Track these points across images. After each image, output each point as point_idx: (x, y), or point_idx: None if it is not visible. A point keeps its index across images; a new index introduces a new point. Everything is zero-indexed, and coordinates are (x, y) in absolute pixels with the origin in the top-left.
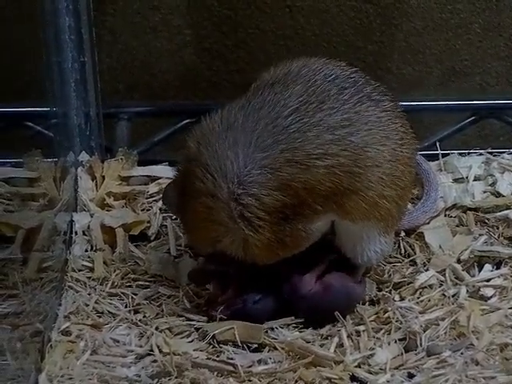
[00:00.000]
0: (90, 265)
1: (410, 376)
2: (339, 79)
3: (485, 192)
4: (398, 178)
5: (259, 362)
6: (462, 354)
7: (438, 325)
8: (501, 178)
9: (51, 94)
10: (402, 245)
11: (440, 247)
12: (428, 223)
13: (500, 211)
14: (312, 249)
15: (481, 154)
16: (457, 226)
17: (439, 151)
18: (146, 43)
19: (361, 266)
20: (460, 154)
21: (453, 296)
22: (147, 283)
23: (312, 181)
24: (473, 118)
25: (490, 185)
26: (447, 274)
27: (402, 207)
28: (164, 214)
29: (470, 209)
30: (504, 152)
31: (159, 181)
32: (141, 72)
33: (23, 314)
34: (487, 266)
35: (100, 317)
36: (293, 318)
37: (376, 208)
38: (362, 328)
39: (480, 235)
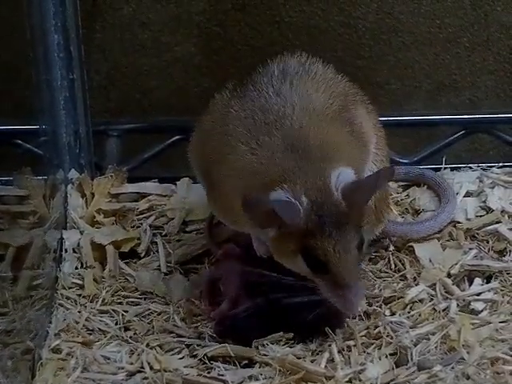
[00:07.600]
0: (80, 282)
1: None
2: None
3: (475, 206)
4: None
5: (250, 378)
6: (452, 368)
7: (429, 339)
8: (491, 193)
9: (40, 111)
10: (392, 259)
11: (430, 261)
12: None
13: (490, 225)
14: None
15: (471, 168)
16: (447, 240)
17: (429, 166)
18: (135, 60)
19: None
20: (451, 169)
21: (443, 310)
22: (137, 300)
23: None
24: (463, 132)
25: (481, 200)
26: (437, 289)
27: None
28: (154, 231)
29: (461, 223)
30: (494, 166)
31: (149, 197)
32: (130, 89)
33: (13, 332)
34: (477, 280)
35: (90, 334)
36: (281, 333)
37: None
38: (352, 343)
39: (470, 249)
